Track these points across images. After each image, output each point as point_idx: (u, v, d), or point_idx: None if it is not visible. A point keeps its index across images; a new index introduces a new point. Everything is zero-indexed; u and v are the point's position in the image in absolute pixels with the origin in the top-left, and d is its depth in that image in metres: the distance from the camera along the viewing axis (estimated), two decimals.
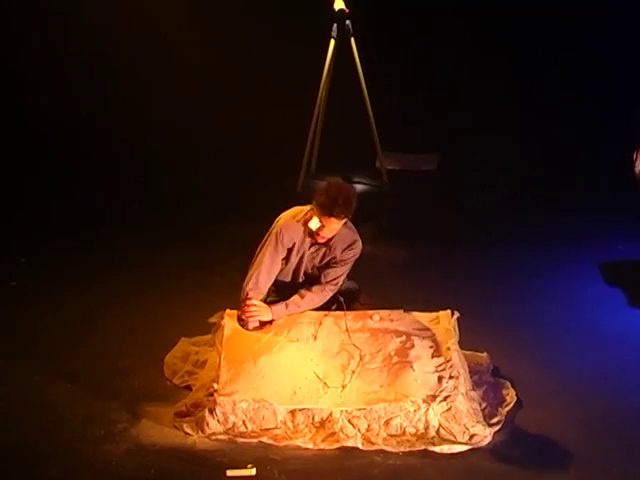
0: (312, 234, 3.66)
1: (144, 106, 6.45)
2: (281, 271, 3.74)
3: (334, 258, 3.74)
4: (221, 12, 6.46)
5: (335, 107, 5.88)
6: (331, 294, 3.76)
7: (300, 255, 3.72)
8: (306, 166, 5.91)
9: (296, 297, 3.72)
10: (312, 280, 3.79)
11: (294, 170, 5.82)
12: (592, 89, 6.39)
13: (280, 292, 3.80)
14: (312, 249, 3.73)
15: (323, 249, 3.74)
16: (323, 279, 3.75)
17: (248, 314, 3.65)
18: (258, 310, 3.66)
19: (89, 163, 6.20)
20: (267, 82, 6.51)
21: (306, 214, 3.67)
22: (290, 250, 3.69)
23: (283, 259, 3.71)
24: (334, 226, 3.60)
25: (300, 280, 3.80)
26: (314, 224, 3.59)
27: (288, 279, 3.79)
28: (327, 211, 3.53)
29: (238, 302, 3.72)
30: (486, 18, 6.45)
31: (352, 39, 5.60)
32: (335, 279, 3.74)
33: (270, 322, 3.69)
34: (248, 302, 3.66)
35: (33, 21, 6.46)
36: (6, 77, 6.39)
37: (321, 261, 3.77)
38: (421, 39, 6.50)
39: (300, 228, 3.66)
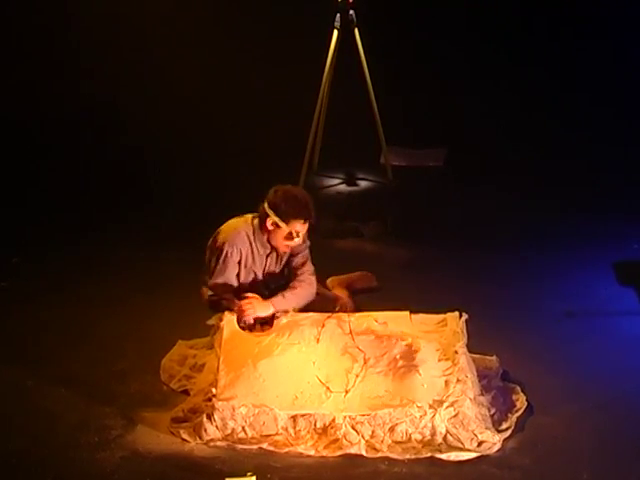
0: (274, 248, 3.70)
1: (144, 106, 6.42)
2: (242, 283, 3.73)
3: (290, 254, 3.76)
4: (219, 4, 6.40)
5: (338, 101, 5.80)
6: (314, 279, 3.76)
7: (252, 268, 3.72)
8: (308, 163, 5.82)
9: (288, 290, 3.69)
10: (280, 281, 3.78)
11: (296, 168, 5.74)
12: (605, 86, 6.33)
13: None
14: (268, 260, 3.74)
15: (274, 253, 3.75)
16: (296, 276, 3.74)
17: (245, 312, 3.58)
18: (253, 306, 3.59)
19: (88, 162, 6.16)
20: (267, 76, 6.46)
21: (250, 223, 3.69)
22: (239, 263, 3.68)
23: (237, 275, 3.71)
24: (305, 229, 3.63)
25: (271, 285, 3.77)
26: (295, 239, 3.61)
27: (254, 288, 3.75)
28: (303, 216, 3.57)
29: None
30: (494, 10, 6.38)
31: (356, 30, 5.50)
32: (303, 268, 3.74)
33: (271, 322, 3.60)
34: (245, 297, 3.60)
35: (32, 20, 6.44)
36: (5, 75, 6.36)
37: (278, 263, 3.77)
38: (427, 29, 6.44)
39: (245, 240, 3.67)
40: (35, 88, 6.43)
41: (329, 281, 4.20)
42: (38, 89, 6.45)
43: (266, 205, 3.66)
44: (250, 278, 3.75)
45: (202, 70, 6.57)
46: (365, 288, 4.29)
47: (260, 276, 3.77)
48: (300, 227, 3.62)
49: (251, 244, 3.70)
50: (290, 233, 3.63)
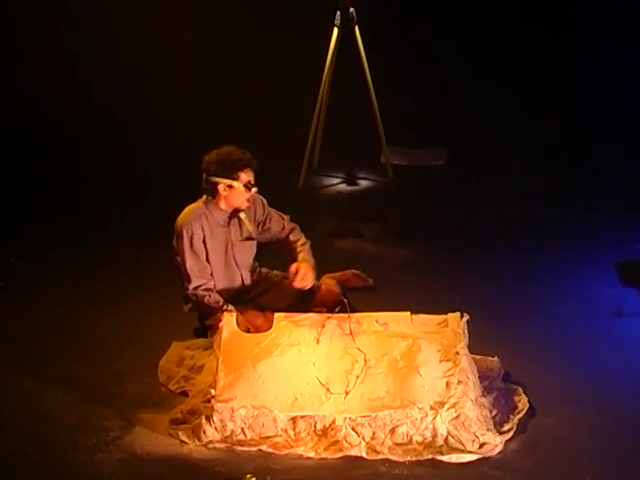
0: (234, 214, 3.76)
1: (144, 105, 6.42)
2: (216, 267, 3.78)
3: (262, 222, 3.84)
4: (219, 2, 6.41)
5: (338, 100, 5.77)
6: (297, 225, 3.94)
7: (219, 245, 3.75)
8: (308, 162, 5.80)
9: (299, 246, 3.84)
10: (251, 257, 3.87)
11: (296, 167, 5.72)
12: (606, 86, 6.33)
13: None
14: (232, 230, 3.77)
15: (237, 224, 3.79)
16: (288, 238, 3.87)
17: (307, 284, 3.71)
18: (307, 274, 3.72)
19: (88, 162, 6.16)
20: (267, 74, 6.44)
21: (200, 202, 3.76)
22: (204, 243, 3.72)
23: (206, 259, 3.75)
24: (253, 176, 3.71)
25: (244, 264, 3.82)
26: (253, 189, 3.68)
27: (230, 271, 3.81)
28: (245, 164, 3.64)
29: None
30: (494, 10, 6.37)
31: (356, 28, 5.47)
32: (280, 222, 3.89)
33: (270, 321, 3.58)
34: (299, 273, 3.70)
35: (32, 20, 6.45)
36: (5, 75, 6.37)
37: (241, 233, 3.81)
38: (428, 28, 6.42)
39: (201, 215, 3.72)
40: (35, 88, 6.43)
41: (323, 278, 4.19)
42: (38, 89, 6.44)
43: (207, 176, 3.70)
44: (221, 259, 3.77)
45: (202, 69, 6.56)
46: (359, 287, 4.27)
47: (231, 255, 3.79)
48: (249, 176, 3.68)
49: (207, 217, 3.73)
50: (245, 186, 3.67)
